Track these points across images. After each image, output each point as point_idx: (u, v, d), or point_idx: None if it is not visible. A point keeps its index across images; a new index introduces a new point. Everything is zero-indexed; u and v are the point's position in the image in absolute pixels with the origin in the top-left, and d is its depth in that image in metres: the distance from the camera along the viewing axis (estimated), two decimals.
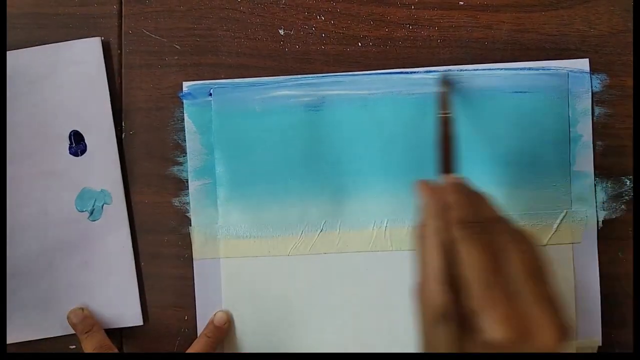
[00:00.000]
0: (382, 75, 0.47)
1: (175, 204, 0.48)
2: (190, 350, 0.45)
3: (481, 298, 0.31)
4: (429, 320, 0.32)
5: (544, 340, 0.30)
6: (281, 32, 0.47)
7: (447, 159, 0.40)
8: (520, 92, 0.46)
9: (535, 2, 0.47)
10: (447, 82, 0.45)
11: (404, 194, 0.46)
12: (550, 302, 0.31)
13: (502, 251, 0.32)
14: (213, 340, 0.46)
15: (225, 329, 0.47)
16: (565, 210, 0.46)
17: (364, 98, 0.46)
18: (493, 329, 0.30)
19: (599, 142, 0.46)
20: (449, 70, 0.46)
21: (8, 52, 0.47)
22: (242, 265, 0.47)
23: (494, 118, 0.46)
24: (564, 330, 0.30)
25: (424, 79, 0.46)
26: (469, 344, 0.31)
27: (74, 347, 0.48)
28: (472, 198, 0.35)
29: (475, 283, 0.31)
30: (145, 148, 0.48)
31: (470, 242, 0.32)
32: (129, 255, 0.47)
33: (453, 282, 0.32)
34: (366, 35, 0.47)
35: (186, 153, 0.47)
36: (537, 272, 0.32)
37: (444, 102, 0.43)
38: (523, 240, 0.33)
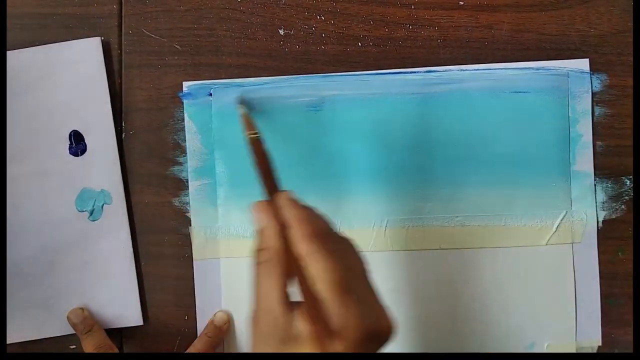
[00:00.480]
0: (382, 75, 0.47)
1: (175, 204, 0.48)
2: (190, 350, 0.45)
3: (340, 307, 0.31)
4: (275, 344, 0.32)
5: (387, 328, 0.33)
6: (281, 32, 0.47)
7: (268, 179, 0.38)
8: (520, 92, 0.46)
9: (535, 2, 0.47)
10: (244, 103, 0.45)
11: (404, 194, 0.46)
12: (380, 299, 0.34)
13: (343, 259, 0.33)
14: (213, 340, 0.46)
15: (225, 329, 0.47)
16: (565, 210, 0.46)
17: (363, 98, 0.46)
18: (354, 329, 0.31)
19: (599, 142, 0.46)
20: (449, 69, 0.46)
21: (8, 52, 0.47)
22: (242, 265, 0.47)
23: (494, 118, 0.46)
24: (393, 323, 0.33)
25: (424, 79, 0.46)
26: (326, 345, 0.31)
27: (74, 347, 0.48)
28: (308, 213, 0.35)
29: (330, 294, 0.31)
30: (145, 148, 0.48)
31: (319, 255, 0.32)
32: (129, 255, 0.47)
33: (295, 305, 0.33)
34: (366, 35, 0.47)
35: (186, 153, 0.47)
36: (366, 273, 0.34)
37: (247, 123, 0.42)
38: (357, 250, 0.35)
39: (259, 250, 0.34)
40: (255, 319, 0.34)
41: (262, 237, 0.35)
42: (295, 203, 0.35)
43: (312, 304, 0.32)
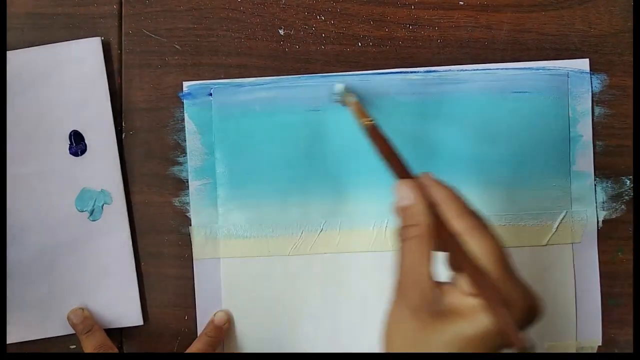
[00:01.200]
0: (382, 75, 0.47)
1: (175, 204, 0.48)
2: (190, 350, 0.45)
3: (506, 281, 0.32)
4: (418, 323, 0.33)
5: (540, 308, 0.33)
6: (281, 32, 0.47)
7: (397, 163, 0.38)
8: (520, 92, 0.46)
9: (536, 2, 0.47)
10: (350, 93, 0.44)
11: None
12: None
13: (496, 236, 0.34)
14: (213, 340, 0.46)
15: (225, 329, 0.47)
16: (565, 211, 0.46)
17: (363, 98, 0.46)
18: (522, 301, 0.32)
19: (599, 142, 0.46)
20: (449, 70, 0.46)
21: (8, 52, 0.47)
22: (242, 265, 0.47)
23: (494, 118, 0.46)
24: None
25: (424, 79, 0.46)
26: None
27: (74, 347, 0.48)
28: (454, 191, 0.35)
29: (497, 269, 0.32)
30: (145, 148, 0.48)
31: (480, 232, 0.33)
32: (129, 255, 0.47)
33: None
34: (366, 35, 0.47)
35: (186, 153, 0.47)
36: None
37: (360, 111, 0.42)
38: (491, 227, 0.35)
39: (406, 227, 0.35)
40: (401, 292, 0.34)
41: (409, 214, 0.35)
42: (441, 183, 0.36)
43: (477, 277, 0.32)
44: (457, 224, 0.33)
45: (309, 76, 0.47)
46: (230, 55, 0.47)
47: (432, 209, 0.34)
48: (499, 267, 0.32)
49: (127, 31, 0.48)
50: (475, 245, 0.33)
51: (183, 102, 0.47)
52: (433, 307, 0.33)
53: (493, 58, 0.47)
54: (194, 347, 0.45)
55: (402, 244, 0.35)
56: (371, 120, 0.40)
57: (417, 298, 0.33)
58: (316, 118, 0.47)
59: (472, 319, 0.32)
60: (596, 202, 0.47)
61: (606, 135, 0.46)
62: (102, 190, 0.47)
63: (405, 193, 0.35)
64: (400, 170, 0.38)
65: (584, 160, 0.46)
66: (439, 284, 0.33)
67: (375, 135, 0.40)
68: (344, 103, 0.44)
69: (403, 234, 0.35)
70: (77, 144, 0.47)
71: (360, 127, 0.41)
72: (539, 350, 0.46)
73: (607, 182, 0.47)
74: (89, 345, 0.45)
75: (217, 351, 0.47)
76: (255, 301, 0.47)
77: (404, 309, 0.33)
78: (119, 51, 0.48)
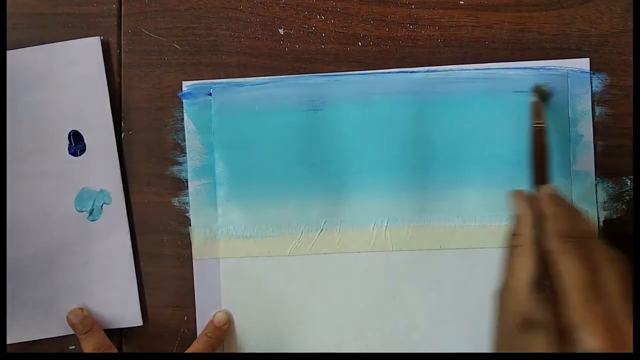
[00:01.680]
0: (382, 75, 0.47)
1: (175, 204, 0.48)
2: (190, 350, 0.45)
3: (582, 311, 0.32)
4: (511, 327, 0.34)
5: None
6: (281, 31, 0.47)
7: (541, 170, 0.40)
8: (520, 91, 0.46)
9: (536, 2, 0.47)
10: (541, 92, 0.44)
11: (404, 194, 0.46)
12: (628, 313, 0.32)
13: (599, 268, 0.33)
14: (213, 340, 0.46)
15: (225, 329, 0.47)
16: None
17: (364, 98, 0.46)
18: (591, 341, 0.31)
19: (599, 142, 0.46)
20: (449, 69, 0.46)
21: (8, 52, 0.47)
22: (242, 265, 0.47)
23: (495, 118, 0.46)
24: None
25: (424, 79, 0.46)
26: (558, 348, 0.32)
27: (73, 347, 0.48)
28: (569, 211, 0.36)
29: (576, 296, 0.32)
30: (145, 148, 0.48)
31: (570, 256, 0.33)
32: (128, 255, 0.47)
33: (543, 292, 0.34)
34: (366, 35, 0.47)
35: (186, 153, 0.47)
36: (630, 292, 0.33)
37: (537, 112, 0.43)
38: (616, 259, 0.34)
39: (513, 235, 0.37)
40: (501, 294, 0.36)
41: (518, 224, 0.37)
42: (557, 199, 0.37)
43: (555, 298, 0.33)
44: (552, 243, 0.34)
45: (309, 75, 0.47)
46: (229, 55, 0.47)
47: (540, 223, 0.35)
48: (576, 295, 0.32)
49: (126, 30, 0.48)
50: (561, 268, 0.33)
51: (182, 102, 0.47)
52: (524, 316, 0.33)
53: (493, 57, 0.47)
54: (194, 348, 0.45)
55: (509, 249, 0.36)
56: (542, 124, 0.42)
57: (510, 304, 0.34)
58: (316, 118, 0.46)
59: (543, 337, 0.32)
60: (597, 202, 0.46)
61: (607, 135, 0.46)
62: (101, 190, 0.47)
63: (516, 203, 0.38)
64: (539, 179, 0.40)
65: (585, 160, 0.46)
66: (539, 295, 0.34)
67: (539, 139, 0.41)
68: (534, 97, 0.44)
69: (511, 240, 0.36)
70: (77, 143, 0.47)
71: (530, 125, 0.42)
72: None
73: (607, 182, 0.46)
74: (89, 346, 0.45)
75: (217, 351, 0.47)
76: (255, 301, 0.47)
77: (500, 311, 0.35)
78: (119, 51, 0.48)
